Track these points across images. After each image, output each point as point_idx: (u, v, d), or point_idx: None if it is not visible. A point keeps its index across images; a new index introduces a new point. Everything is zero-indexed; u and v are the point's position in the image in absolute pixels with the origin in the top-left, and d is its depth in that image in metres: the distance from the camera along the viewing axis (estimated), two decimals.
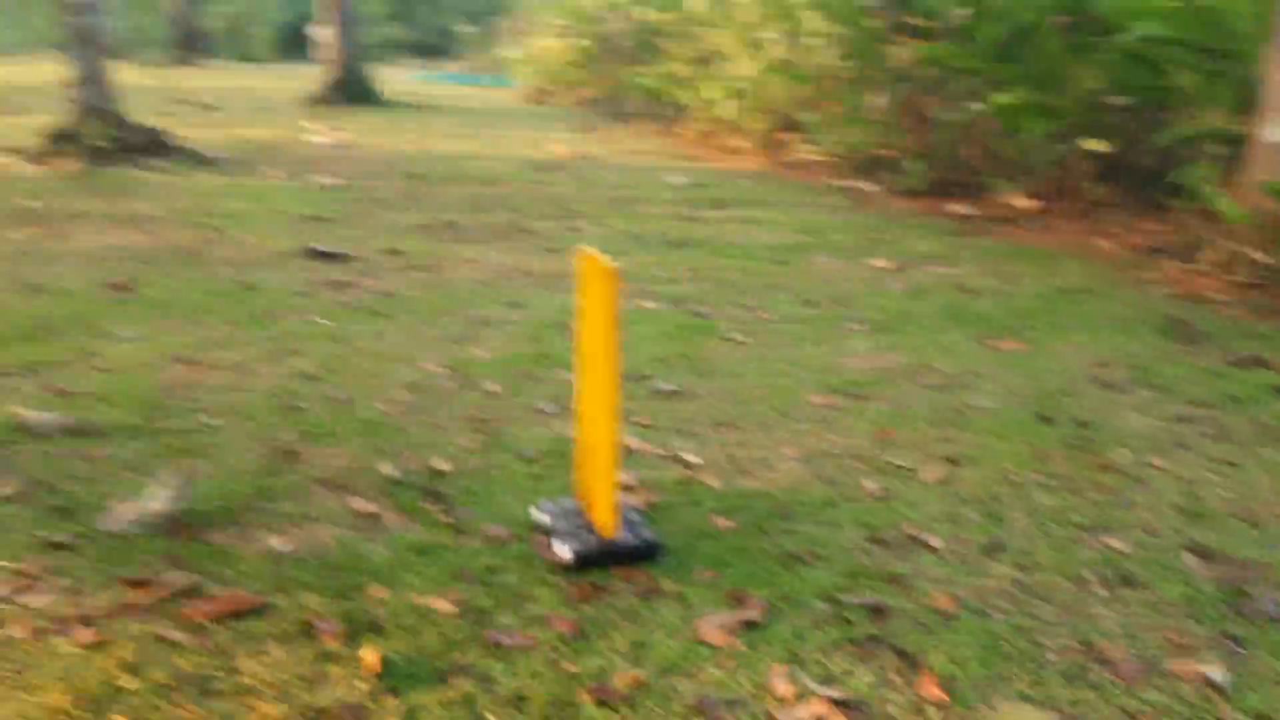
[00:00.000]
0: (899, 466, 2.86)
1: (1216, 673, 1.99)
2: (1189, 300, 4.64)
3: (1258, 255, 4.83)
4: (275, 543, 2.37)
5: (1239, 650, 2.07)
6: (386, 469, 2.75)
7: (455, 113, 11.84)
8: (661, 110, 11.12)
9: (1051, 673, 1.98)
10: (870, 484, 2.74)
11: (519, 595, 2.19)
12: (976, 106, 6.61)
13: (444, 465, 2.79)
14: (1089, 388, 3.52)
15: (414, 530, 2.45)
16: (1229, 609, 2.21)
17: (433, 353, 3.68)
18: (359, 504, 2.56)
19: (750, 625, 2.10)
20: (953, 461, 2.90)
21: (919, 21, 7.02)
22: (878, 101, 7.53)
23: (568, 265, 4.95)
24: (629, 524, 2.39)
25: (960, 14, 6.68)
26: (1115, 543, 2.47)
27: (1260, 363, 3.79)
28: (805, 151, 8.43)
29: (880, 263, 5.10)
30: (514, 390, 3.35)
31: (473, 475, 2.74)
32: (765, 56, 8.57)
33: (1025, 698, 1.90)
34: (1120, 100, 5.95)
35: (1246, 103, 5.16)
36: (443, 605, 2.13)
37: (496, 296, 4.42)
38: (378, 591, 2.18)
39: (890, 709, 1.86)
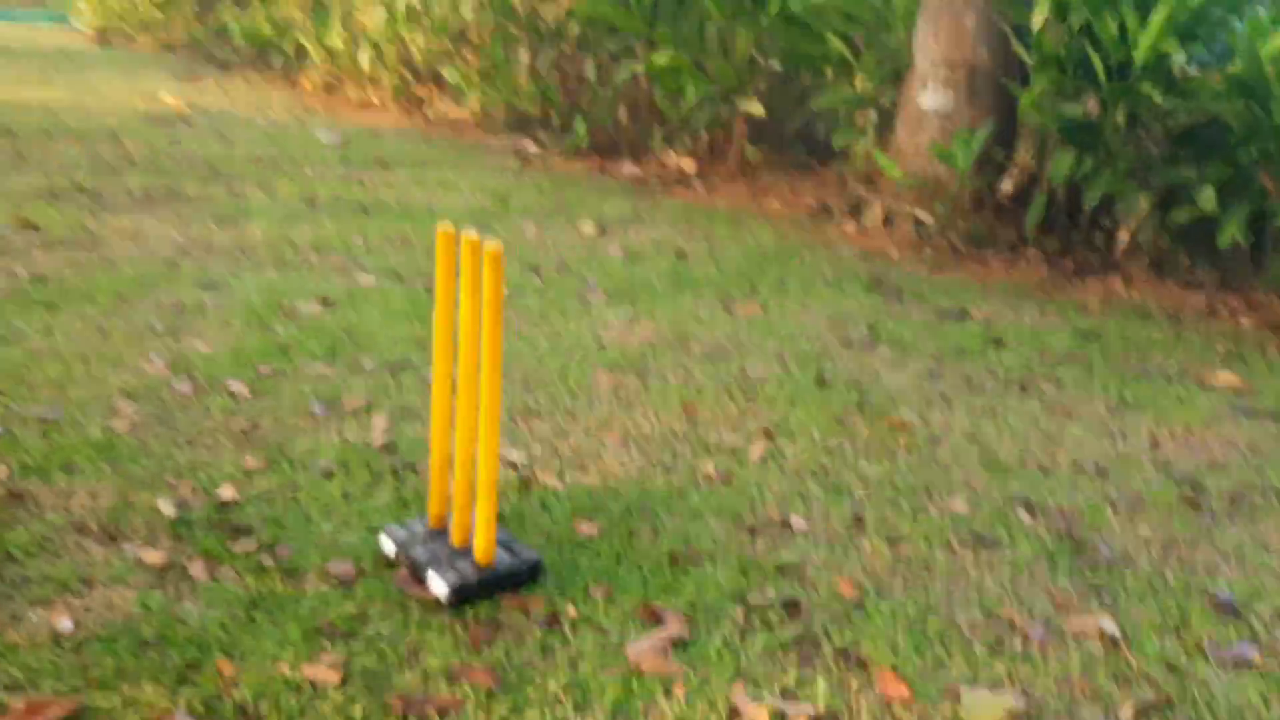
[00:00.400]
0: (723, 445, 2.77)
1: (1109, 624, 2.08)
2: (875, 257, 4.95)
3: (920, 214, 5.26)
4: (57, 621, 1.82)
5: (1108, 599, 2.19)
6: (160, 504, 2.23)
7: (16, 55, 10.10)
8: (269, 59, 10.19)
9: (978, 650, 1.98)
10: (706, 467, 2.63)
11: (407, 647, 1.84)
12: (634, 67, 6.63)
13: (229, 492, 2.31)
14: (838, 348, 3.62)
15: (233, 580, 2.00)
16: (1077, 560, 2.34)
17: (137, 350, 3.06)
18: (147, 554, 2.05)
19: (680, 644, 1.91)
20: (768, 435, 2.85)
21: None
22: (525, 59, 7.36)
23: (250, 236, 4.36)
24: (500, 543, 2.10)
25: None
26: (954, 505, 2.54)
27: (966, 315, 4.12)
28: (450, 109, 8.08)
29: (586, 227, 4.98)
30: (265, 390, 2.86)
31: (269, 501, 2.29)
32: (396, 4, 8.08)
33: (971, 680, 1.88)
34: (775, 65, 6.22)
35: (895, 71, 5.57)
36: (321, 674, 1.75)
37: (181, 277, 3.78)
38: (227, 668, 1.74)
39: (865, 716, 1.76)
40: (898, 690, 1.83)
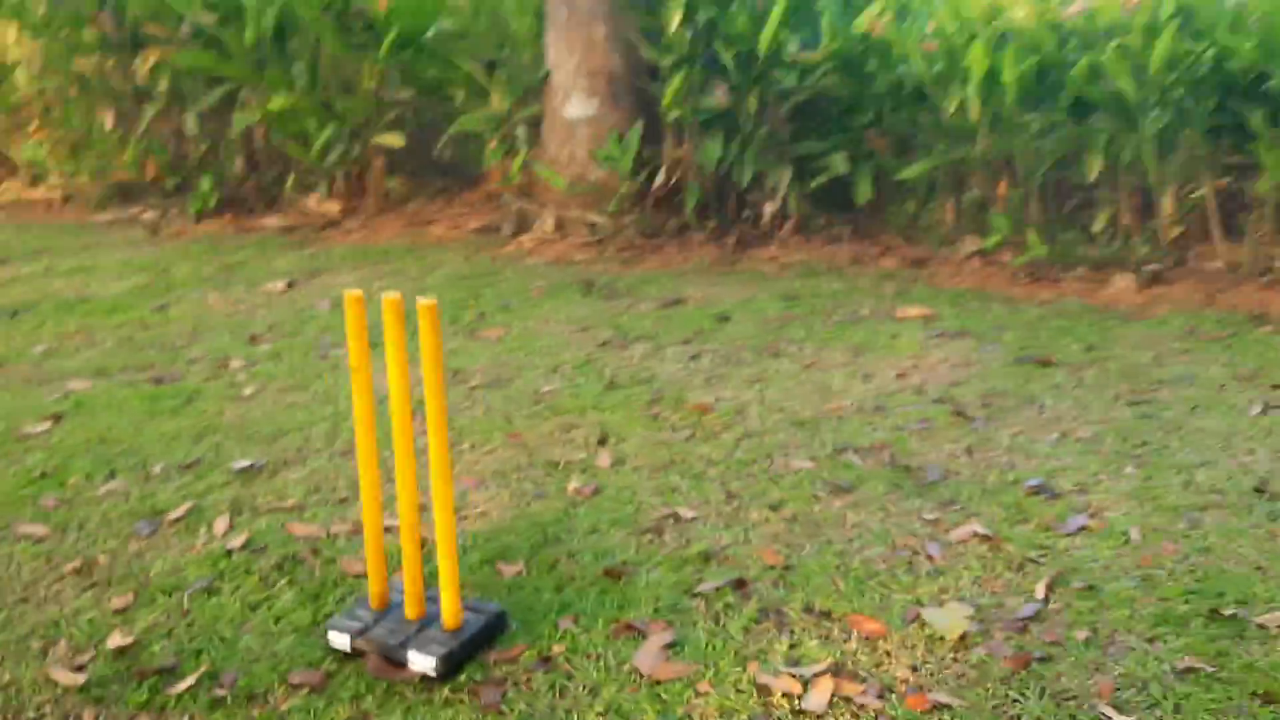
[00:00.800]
0: (571, 461, 2.83)
1: (979, 527, 2.43)
2: (565, 264, 5.13)
3: (592, 217, 5.53)
4: None
5: (961, 508, 2.54)
6: (53, 673, 1.94)
7: None
8: None
9: (902, 577, 2.24)
10: (571, 484, 2.69)
11: None
12: (245, 115, 6.32)
13: (118, 638, 2.04)
14: (599, 351, 3.78)
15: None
16: (917, 484, 2.68)
17: None
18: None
19: (674, 646, 2.00)
20: (603, 442, 2.95)
21: (155, 30, 6.43)
22: (110, 123, 6.75)
23: None
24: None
25: (206, 18, 6.28)
26: (797, 463, 2.80)
27: (683, 300, 4.43)
28: (23, 190, 7.21)
29: (275, 285, 4.72)
30: (67, 523, 2.52)
31: (169, 634, 2.07)
32: None
33: (921, 603, 2.13)
34: (407, 95, 6.20)
35: (528, 87, 5.78)
36: None
37: None
38: None
39: (866, 659, 1.95)
40: (873, 627, 2.04)
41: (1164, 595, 2.13)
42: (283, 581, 2.24)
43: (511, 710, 1.82)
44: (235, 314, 4.30)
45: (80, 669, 1.95)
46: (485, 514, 2.54)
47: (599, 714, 1.81)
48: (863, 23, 5.23)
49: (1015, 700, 1.83)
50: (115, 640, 2.03)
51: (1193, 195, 4.83)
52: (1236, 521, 2.43)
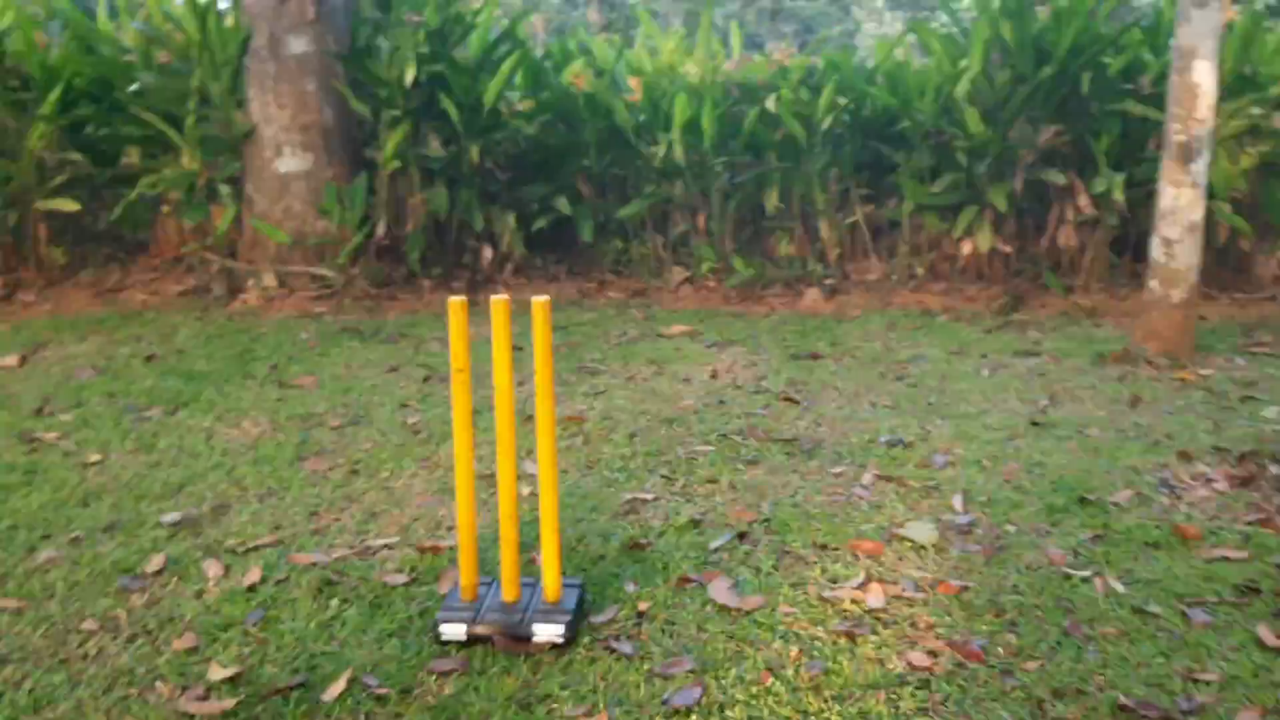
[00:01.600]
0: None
1: (881, 472, 2.97)
2: (310, 318, 5.07)
3: (318, 270, 5.50)
4: None
5: (852, 463, 3.08)
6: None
7: None
8: None
9: (859, 513, 2.71)
10: (525, 490, 2.88)
11: (609, 681, 1.97)
12: None
13: (218, 669, 1.99)
14: (426, 386, 3.91)
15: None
16: (802, 450, 3.18)
17: None
18: None
19: (736, 586, 2.32)
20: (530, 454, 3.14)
21: None
22: None
23: None
24: (529, 584, 2.23)
25: None
26: (699, 447, 3.19)
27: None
28: None
29: (8, 360, 4.25)
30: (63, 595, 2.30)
31: (274, 662, 2.04)
32: None
33: (885, 527, 2.62)
34: (76, 156, 5.73)
35: (225, 144, 5.64)
36: None
37: None
38: None
39: (883, 569, 2.41)
40: (870, 547, 2.49)
41: (1039, 494, 2.79)
42: (334, 600, 2.25)
43: (649, 653, 2.05)
44: (1, 391, 3.87)
45: (204, 699, 1.89)
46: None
47: (725, 640, 2.09)
48: (566, 77, 5.75)
49: (1003, 575, 2.36)
50: (217, 673, 1.97)
51: (847, 221, 5.83)
52: (1036, 442, 3.18)
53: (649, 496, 2.83)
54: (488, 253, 5.76)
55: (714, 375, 4.00)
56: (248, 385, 3.92)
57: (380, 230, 5.61)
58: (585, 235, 5.71)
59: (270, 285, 5.53)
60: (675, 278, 5.78)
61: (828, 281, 5.65)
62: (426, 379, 3.99)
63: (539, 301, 2.07)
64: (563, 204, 5.64)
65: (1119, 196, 5.17)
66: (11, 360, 4.29)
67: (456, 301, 2.08)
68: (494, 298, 2.06)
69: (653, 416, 3.50)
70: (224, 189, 5.67)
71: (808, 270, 5.72)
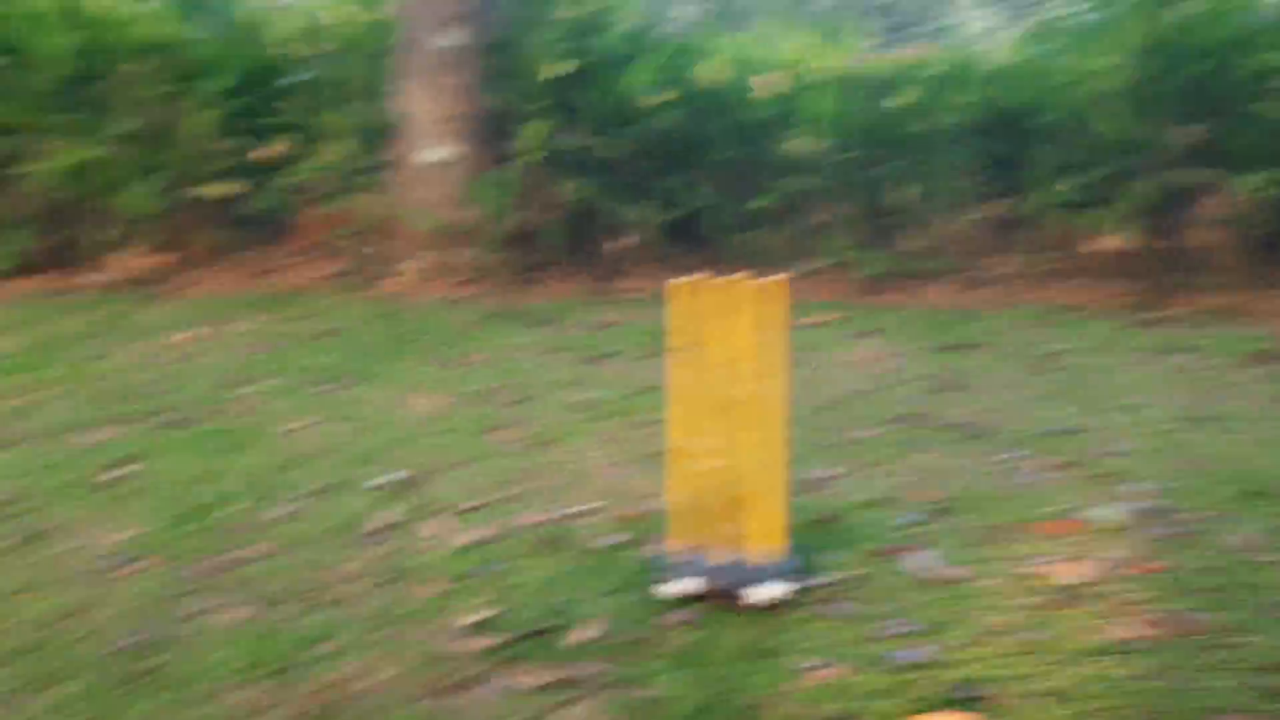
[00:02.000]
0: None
1: (1047, 458, 3.04)
2: (461, 301, 5.27)
3: (467, 256, 5.69)
4: None
5: (1024, 451, 3.14)
6: None
7: None
8: None
9: (1034, 496, 2.78)
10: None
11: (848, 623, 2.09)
12: (42, 164, 5.86)
13: (467, 614, 2.14)
14: (586, 367, 4.06)
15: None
16: (966, 435, 3.26)
17: None
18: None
19: (943, 557, 2.41)
20: None
21: None
22: None
23: None
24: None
25: None
26: (859, 432, 3.28)
27: (614, 322, 4.78)
28: None
29: (176, 336, 4.51)
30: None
31: (492, 602, 2.19)
32: None
33: (1067, 511, 2.69)
34: (235, 144, 6.01)
35: (374, 133, 5.87)
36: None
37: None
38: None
39: (1074, 549, 2.48)
40: (1064, 528, 2.57)
41: (1214, 484, 2.83)
42: (554, 559, 2.40)
43: (867, 616, 2.16)
44: (188, 363, 4.11)
45: (460, 640, 2.04)
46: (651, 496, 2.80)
47: (938, 606, 2.19)
48: (706, 70, 5.87)
49: (1199, 557, 2.42)
50: (466, 619, 2.13)
51: (978, 216, 5.86)
52: (1200, 435, 3.22)
53: (826, 475, 2.93)
54: (623, 242, 5.91)
55: (861, 364, 4.09)
56: (416, 363, 4.11)
57: (521, 219, 5.79)
58: (718, 226, 5.82)
59: (417, 270, 5.74)
60: (803, 269, 5.86)
61: (959, 275, 5.69)
62: (588, 360, 4.14)
63: (775, 281, 2.18)
64: (697, 195, 5.76)
65: (1264, 194, 5.13)
66: (188, 335, 4.54)
67: (676, 284, 2.20)
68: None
69: (808, 403, 3.59)
70: (372, 177, 5.90)
71: (938, 264, 5.77)
